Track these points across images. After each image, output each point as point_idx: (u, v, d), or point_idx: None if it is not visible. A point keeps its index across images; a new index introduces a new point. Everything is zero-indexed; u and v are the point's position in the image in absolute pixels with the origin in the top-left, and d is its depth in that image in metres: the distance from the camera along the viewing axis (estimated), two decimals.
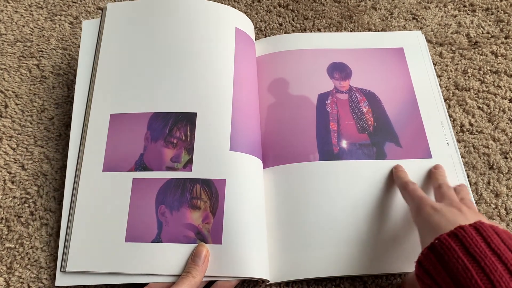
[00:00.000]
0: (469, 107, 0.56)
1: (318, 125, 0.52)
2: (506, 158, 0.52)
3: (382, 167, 0.49)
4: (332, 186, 0.48)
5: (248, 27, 0.56)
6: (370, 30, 0.63)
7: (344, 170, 0.49)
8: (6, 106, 0.54)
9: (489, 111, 0.56)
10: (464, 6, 0.65)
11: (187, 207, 0.44)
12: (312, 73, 0.56)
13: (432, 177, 0.48)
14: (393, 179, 0.48)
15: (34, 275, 0.45)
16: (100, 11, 0.64)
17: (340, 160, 0.49)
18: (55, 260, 0.45)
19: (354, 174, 0.49)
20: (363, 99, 0.54)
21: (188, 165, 0.46)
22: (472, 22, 0.63)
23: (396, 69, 0.57)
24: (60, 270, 0.43)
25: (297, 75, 0.56)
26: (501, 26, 0.63)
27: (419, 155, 0.50)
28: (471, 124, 0.55)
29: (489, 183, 0.51)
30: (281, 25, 0.64)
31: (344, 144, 0.51)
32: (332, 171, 0.49)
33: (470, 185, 0.50)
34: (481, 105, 0.56)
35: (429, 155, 0.50)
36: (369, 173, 0.49)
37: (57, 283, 0.43)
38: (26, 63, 0.58)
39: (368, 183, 0.48)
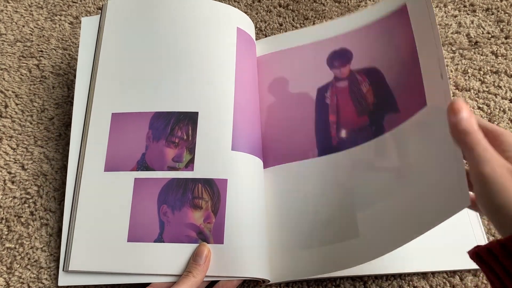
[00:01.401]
0: (470, 107, 0.56)
1: (317, 121, 0.51)
2: None
3: (380, 145, 0.46)
4: (332, 181, 0.47)
5: (249, 27, 0.56)
6: None
7: (343, 160, 0.47)
8: (6, 106, 0.54)
9: (489, 111, 0.56)
10: (464, 6, 0.65)
11: (188, 207, 0.44)
12: (312, 68, 0.54)
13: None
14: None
15: (34, 275, 0.44)
16: (100, 11, 0.64)
17: (339, 152, 0.48)
18: (55, 260, 0.45)
19: (353, 163, 0.47)
20: (363, 80, 0.52)
21: (189, 165, 0.46)
22: (472, 22, 0.64)
23: (399, 32, 0.50)
24: (63, 270, 0.43)
25: (297, 72, 0.55)
26: (501, 26, 0.63)
27: (415, 108, 0.45)
28: None
29: None
30: (281, 25, 0.64)
31: (343, 134, 0.49)
32: (331, 164, 0.48)
33: None
34: (481, 105, 0.56)
35: (424, 103, 0.44)
36: (369, 156, 0.46)
37: (59, 283, 0.43)
38: (26, 63, 0.58)
39: (367, 170, 0.46)
